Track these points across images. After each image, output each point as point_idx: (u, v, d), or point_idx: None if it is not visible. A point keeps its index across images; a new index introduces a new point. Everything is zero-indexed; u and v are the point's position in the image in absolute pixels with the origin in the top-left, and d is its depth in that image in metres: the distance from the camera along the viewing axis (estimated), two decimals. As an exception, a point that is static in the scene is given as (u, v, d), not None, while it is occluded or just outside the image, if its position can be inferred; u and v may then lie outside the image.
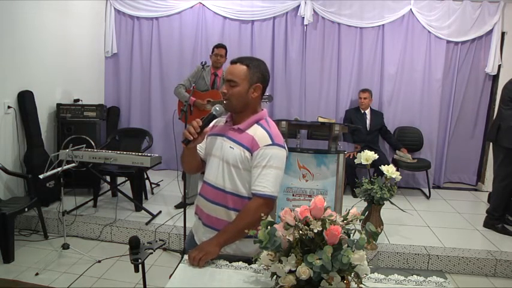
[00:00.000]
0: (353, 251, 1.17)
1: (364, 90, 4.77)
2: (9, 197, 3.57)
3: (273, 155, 1.57)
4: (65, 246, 3.14)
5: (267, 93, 4.06)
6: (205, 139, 1.70)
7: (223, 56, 4.06)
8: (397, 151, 4.80)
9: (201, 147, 1.73)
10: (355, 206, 1.47)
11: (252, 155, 1.58)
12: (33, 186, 3.52)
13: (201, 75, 4.01)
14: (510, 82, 3.62)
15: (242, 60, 1.62)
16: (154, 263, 3.14)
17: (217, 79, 4.07)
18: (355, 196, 3.41)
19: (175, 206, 4.01)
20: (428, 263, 3.20)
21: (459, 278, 3.13)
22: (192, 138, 1.55)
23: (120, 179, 4.34)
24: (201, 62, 3.92)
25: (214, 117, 1.63)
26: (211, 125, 1.70)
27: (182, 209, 3.30)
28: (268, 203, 1.57)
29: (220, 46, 4.10)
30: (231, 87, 1.60)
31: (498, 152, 3.71)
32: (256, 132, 1.60)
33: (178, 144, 4.43)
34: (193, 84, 3.70)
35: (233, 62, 1.63)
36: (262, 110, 1.69)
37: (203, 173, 1.75)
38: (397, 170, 3.24)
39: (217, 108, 1.63)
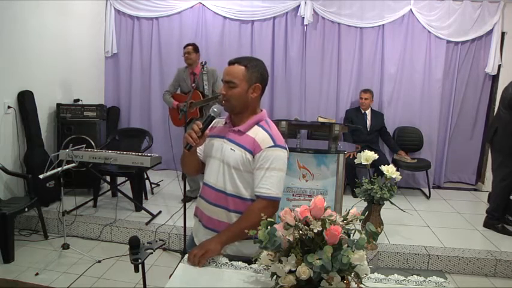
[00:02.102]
0: (353, 251, 1.17)
1: (365, 91, 4.76)
2: (9, 197, 3.57)
3: (276, 156, 1.56)
4: (65, 246, 3.14)
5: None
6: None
7: (190, 52, 4.01)
8: (395, 155, 4.81)
9: (200, 149, 1.72)
10: (355, 206, 1.47)
11: (253, 157, 1.57)
12: (33, 186, 3.52)
13: (183, 78, 4.07)
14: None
15: (240, 61, 1.60)
16: (154, 263, 3.14)
17: (196, 78, 4.03)
18: (355, 196, 3.40)
19: (182, 200, 4.01)
20: (428, 263, 3.20)
21: (459, 278, 3.13)
22: (194, 143, 1.55)
23: (120, 179, 4.34)
24: (201, 62, 3.93)
25: (213, 118, 1.63)
26: (210, 126, 1.70)
27: (183, 208, 3.31)
28: (273, 204, 1.57)
29: (186, 45, 4.08)
30: (230, 88, 1.58)
31: (495, 154, 3.71)
32: (258, 134, 1.59)
33: (176, 145, 4.47)
34: (193, 85, 3.76)
35: (231, 63, 1.61)
36: (262, 110, 1.69)
37: (204, 172, 1.75)
38: (397, 170, 3.24)
39: (215, 110, 1.62)
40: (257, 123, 1.63)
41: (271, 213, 1.51)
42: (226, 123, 1.70)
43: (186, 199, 3.93)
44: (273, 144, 1.57)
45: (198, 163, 1.75)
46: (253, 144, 1.57)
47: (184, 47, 4.08)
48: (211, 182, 1.65)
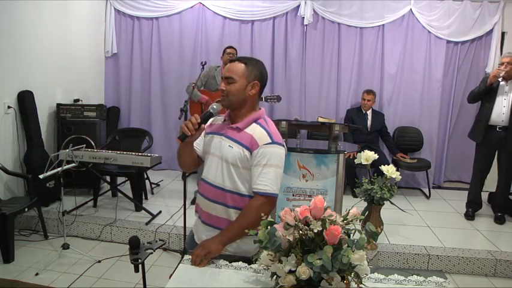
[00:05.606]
0: (353, 251, 1.17)
1: (368, 92, 4.73)
2: (9, 197, 3.57)
3: (273, 153, 1.58)
4: (65, 246, 3.13)
5: (275, 94, 4.11)
6: (202, 136, 1.73)
7: (234, 55, 4.16)
8: (394, 157, 4.81)
9: (198, 144, 1.74)
10: (355, 206, 1.47)
11: (251, 153, 1.59)
12: (33, 186, 3.52)
13: (213, 75, 4.10)
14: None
15: (240, 59, 1.66)
16: (154, 263, 3.14)
17: None
18: (355, 196, 3.41)
19: (190, 203, 3.99)
20: (428, 263, 3.20)
21: (459, 278, 3.13)
22: (190, 134, 1.56)
23: (120, 179, 4.34)
24: (201, 62, 3.93)
25: (211, 115, 1.65)
26: (208, 123, 1.71)
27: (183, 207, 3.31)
28: (271, 200, 1.59)
29: (231, 47, 4.25)
30: (229, 84, 1.62)
31: None
32: (255, 131, 1.61)
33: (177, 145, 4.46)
34: (203, 83, 3.81)
35: (232, 61, 1.67)
36: (260, 108, 1.71)
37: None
38: (397, 170, 3.23)
39: (215, 107, 1.65)
40: (255, 120, 1.65)
41: (269, 210, 1.53)
42: (225, 120, 1.72)
43: (194, 201, 3.93)
44: (270, 141, 1.59)
45: (194, 157, 1.76)
46: (250, 141, 1.59)
47: (228, 48, 4.21)
48: (210, 179, 1.67)
